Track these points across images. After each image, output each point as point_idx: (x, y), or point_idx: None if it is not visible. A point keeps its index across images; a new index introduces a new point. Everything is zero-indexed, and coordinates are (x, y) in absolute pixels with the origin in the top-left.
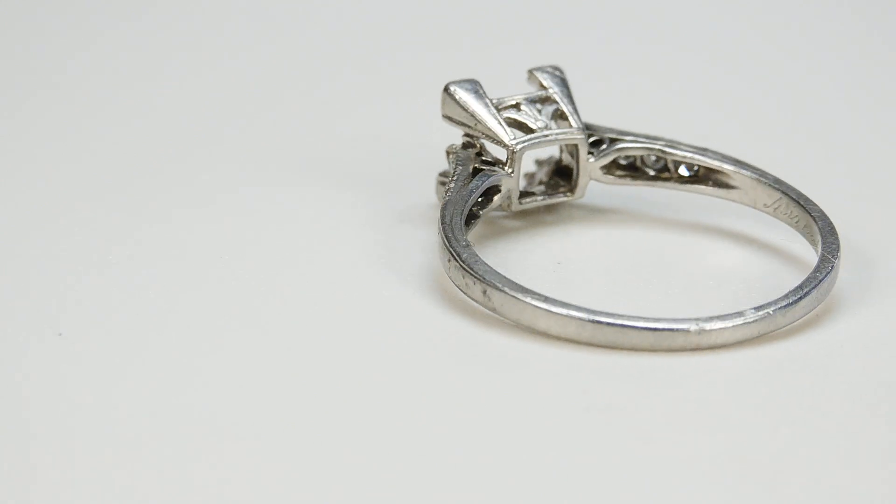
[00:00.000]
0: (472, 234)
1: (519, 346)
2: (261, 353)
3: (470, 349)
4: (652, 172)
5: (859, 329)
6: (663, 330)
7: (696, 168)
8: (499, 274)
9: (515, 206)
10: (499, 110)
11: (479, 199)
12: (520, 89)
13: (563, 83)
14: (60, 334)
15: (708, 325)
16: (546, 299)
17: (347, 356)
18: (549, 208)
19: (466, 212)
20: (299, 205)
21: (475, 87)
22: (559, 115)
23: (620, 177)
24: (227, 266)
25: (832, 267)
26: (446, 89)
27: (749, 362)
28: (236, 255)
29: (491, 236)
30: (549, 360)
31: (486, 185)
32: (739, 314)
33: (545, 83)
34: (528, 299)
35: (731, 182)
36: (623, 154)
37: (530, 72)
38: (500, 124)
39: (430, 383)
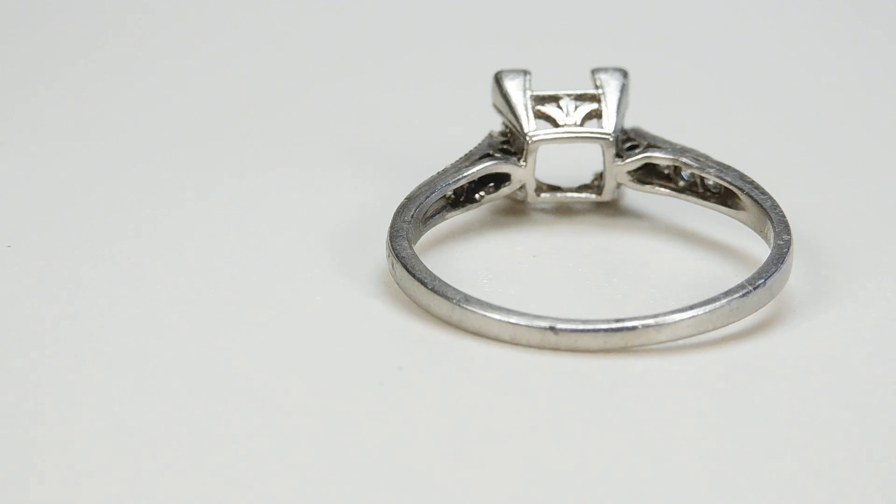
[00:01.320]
0: (472, 217)
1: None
2: (252, 347)
3: (420, 343)
4: (682, 183)
5: (787, 344)
6: (521, 325)
7: (720, 185)
8: (408, 251)
9: (531, 199)
10: (537, 102)
11: (491, 185)
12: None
13: (620, 86)
14: (9, 246)
15: (562, 326)
16: (433, 279)
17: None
18: (599, 207)
19: (448, 191)
20: (305, 196)
21: (522, 76)
22: (597, 115)
23: (648, 183)
24: (226, 260)
25: (744, 293)
26: (495, 76)
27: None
28: (235, 245)
29: (504, 224)
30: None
31: (486, 171)
32: (605, 321)
33: (599, 83)
34: (417, 276)
35: (740, 204)
36: (648, 162)
37: (592, 71)
38: (528, 115)
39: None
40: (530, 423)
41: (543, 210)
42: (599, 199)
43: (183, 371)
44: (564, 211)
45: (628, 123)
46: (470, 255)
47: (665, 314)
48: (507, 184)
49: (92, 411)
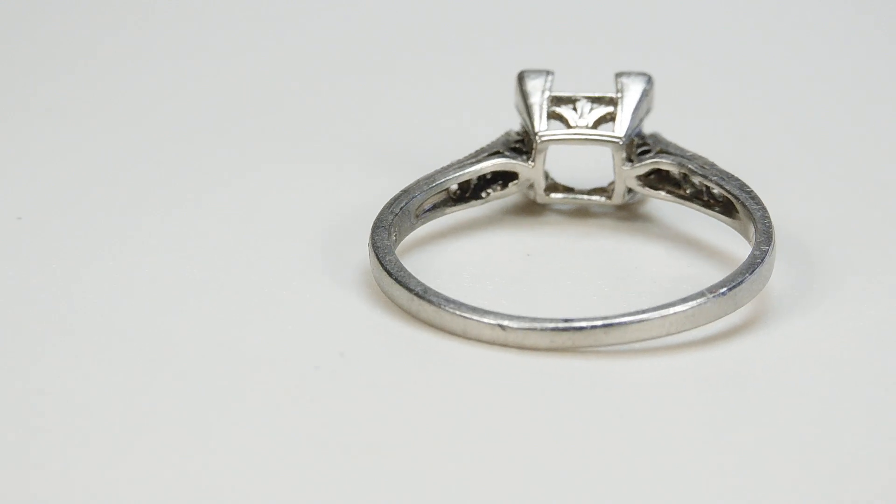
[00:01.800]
0: (483, 214)
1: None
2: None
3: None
4: (689, 191)
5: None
6: (471, 320)
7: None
8: (385, 241)
9: (541, 198)
10: (553, 102)
11: (500, 183)
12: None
13: (640, 91)
14: (19, 218)
15: (510, 324)
16: (398, 270)
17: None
18: (618, 211)
19: (449, 185)
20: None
21: (543, 77)
22: (611, 119)
23: (659, 189)
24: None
25: (702, 301)
26: (518, 75)
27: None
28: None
29: (514, 223)
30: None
31: (492, 168)
32: (553, 321)
33: (620, 86)
34: (385, 265)
35: (736, 213)
36: (654, 167)
37: (616, 74)
38: (541, 115)
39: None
40: (489, 420)
41: (560, 211)
42: (610, 202)
43: (172, 368)
44: (581, 213)
45: (649, 128)
46: (467, 251)
47: (615, 317)
48: (514, 182)
49: (85, 409)
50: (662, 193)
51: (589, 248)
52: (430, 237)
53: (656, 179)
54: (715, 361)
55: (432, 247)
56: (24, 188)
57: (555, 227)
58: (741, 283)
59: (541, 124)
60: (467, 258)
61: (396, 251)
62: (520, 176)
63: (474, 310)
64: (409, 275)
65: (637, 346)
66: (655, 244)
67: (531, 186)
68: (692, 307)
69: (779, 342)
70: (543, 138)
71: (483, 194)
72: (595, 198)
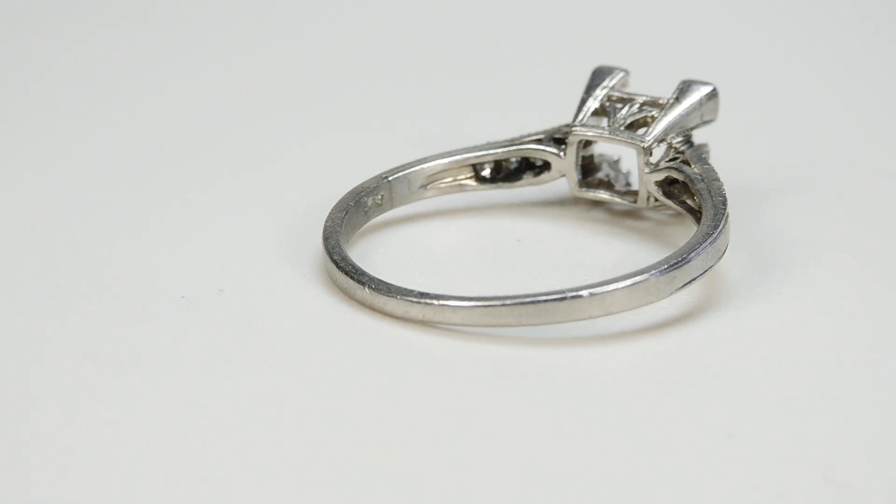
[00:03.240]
0: (525, 197)
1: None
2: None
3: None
4: (699, 202)
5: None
6: (350, 280)
7: None
8: (345, 202)
9: (574, 192)
10: (607, 100)
11: (536, 169)
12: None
13: (693, 101)
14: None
15: (376, 289)
16: (331, 232)
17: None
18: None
19: (471, 161)
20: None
21: (611, 74)
22: (651, 122)
23: (671, 197)
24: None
25: (556, 299)
26: (594, 69)
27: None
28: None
29: (543, 212)
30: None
31: (520, 153)
32: (410, 293)
33: (678, 94)
34: (326, 223)
35: None
36: (668, 176)
37: (681, 81)
38: (586, 109)
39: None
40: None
41: (607, 209)
42: (634, 206)
43: (161, 367)
44: (629, 214)
45: (700, 139)
46: (464, 229)
47: (469, 299)
48: (548, 171)
49: (76, 410)
50: (672, 203)
51: (590, 245)
52: (444, 211)
53: (680, 189)
54: (707, 354)
55: (436, 219)
56: (22, 188)
57: (580, 221)
58: (603, 290)
59: (581, 118)
60: (456, 236)
61: (381, 217)
62: (552, 166)
63: (356, 271)
64: (334, 234)
65: (607, 333)
66: (652, 249)
67: (564, 177)
68: (550, 301)
69: (745, 332)
70: (575, 132)
71: (516, 179)
72: (624, 200)
